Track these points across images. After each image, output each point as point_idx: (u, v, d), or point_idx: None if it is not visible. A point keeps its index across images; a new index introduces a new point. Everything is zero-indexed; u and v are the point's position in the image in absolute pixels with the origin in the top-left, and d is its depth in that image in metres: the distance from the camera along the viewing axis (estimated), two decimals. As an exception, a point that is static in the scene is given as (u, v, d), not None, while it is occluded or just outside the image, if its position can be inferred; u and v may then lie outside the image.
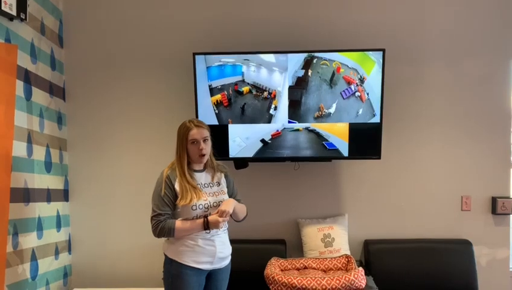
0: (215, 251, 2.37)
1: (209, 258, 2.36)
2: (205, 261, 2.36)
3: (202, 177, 2.44)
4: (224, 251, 2.43)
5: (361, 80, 3.02)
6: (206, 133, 2.41)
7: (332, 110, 3.03)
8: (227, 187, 2.52)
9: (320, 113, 3.03)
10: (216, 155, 2.53)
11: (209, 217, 2.34)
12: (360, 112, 3.04)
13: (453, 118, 3.30)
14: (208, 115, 3.05)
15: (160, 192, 2.34)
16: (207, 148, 2.41)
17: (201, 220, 2.33)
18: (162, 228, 2.30)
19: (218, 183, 2.48)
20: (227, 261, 2.48)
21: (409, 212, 3.33)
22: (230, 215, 2.40)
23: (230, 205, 2.37)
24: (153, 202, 2.35)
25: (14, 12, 2.58)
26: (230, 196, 2.50)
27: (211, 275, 2.42)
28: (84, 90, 3.36)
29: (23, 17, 2.68)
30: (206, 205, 2.36)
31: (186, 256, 2.32)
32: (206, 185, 2.43)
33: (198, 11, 3.30)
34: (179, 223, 2.32)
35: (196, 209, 2.33)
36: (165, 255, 2.40)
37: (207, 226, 2.32)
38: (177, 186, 2.34)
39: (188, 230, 2.32)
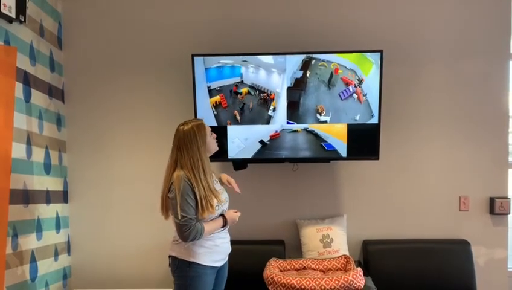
0: (229, 247, 2.46)
1: (224, 255, 2.44)
2: (221, 258, 2.42)
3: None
4: (230, 245, 2.50)
5: (360, 81, 3.02)
6: None
7: (327, 118, 3.04)
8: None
9: (321, 111, 3.04)
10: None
11: (226, 214, 2.39)
12: (358, 113, 3.05)
13: (451, 118, 3.31)
14: (207, 116, 3.05)
15: (186, 197, 2.22)
16: None
17: (221, 219, 2.36)
18: (194, 233, 2.21)
19: (216, 180, 2.50)
20: None
21: (407, 212, 3.34)
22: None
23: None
24: (179, 208, 2.20)
25: (13, 15, 2.58)
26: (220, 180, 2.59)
27: (218, 270, 2.45)
28: (83, 92, 3.37)
29: (22, 20, 2.68)
30: (222, 204, 2.40)
31: (206, 257, 2.32)
32: (215, 182, 2.45)
33: (196, 12, 3.31)
34: (205, 226, 2.27)
35: (218, 209, 2.36)
36: (179, 259, 2.31)
37: (225, 223, 2.37)
38: (197, 191, 2.24)
39: (212, 231, 2.32)
